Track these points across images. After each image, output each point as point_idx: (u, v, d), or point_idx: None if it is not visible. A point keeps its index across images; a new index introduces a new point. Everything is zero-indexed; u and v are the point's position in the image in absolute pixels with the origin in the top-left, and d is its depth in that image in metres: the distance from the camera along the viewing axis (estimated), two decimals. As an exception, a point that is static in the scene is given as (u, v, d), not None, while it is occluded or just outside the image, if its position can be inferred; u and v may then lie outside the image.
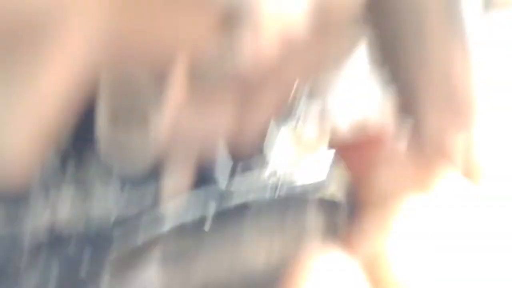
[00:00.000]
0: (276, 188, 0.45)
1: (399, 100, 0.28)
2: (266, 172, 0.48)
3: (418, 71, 0.26)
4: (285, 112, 0.34)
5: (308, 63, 0.31)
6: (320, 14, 0.19)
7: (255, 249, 0.35)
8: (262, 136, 0.31)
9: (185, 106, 0.24)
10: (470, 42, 0.25)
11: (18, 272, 0.36)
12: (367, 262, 0.30)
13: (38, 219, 0.36)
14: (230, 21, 0.19)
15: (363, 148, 0.34)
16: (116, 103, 0.24)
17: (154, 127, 0.23)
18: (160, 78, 0.23)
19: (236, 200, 0.43)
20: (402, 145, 0.33)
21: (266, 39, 0.21)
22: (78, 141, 0.32)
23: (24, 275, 0.36)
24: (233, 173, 0.43)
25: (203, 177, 0.32)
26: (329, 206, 0.36)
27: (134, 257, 0.36)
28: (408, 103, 0.27)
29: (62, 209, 0.38)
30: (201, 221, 0.40)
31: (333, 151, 0.44)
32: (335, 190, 0.41)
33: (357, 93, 0.37)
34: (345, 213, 0.36)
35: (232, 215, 0.39)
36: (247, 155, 0.30)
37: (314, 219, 0.35)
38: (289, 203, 0.36)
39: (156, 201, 0.29)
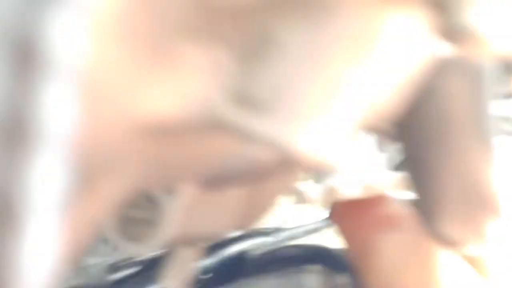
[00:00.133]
0: (270, 234, 0.45)
1: (416, 200, 0.27)
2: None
3: (440, 174, 0.25)
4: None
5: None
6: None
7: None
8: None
9: (197, 198, 0.23)
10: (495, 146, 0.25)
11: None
12: None
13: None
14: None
15: (364, 207, 0.33)
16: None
17: (163, 219, 0.22)
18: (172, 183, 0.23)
19: (235, 247, 0.42)
20: (407, 212, 0.32)
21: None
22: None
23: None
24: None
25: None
26: (333, 279, 0.35)
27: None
28: (425, 202, 0.26)
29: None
30: (199, 276, 0.39)
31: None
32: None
33: (364, 157, 0.36)
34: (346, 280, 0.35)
35: (227, 271, 0.38)
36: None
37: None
38: (290, 272, 0.35)
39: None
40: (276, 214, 0.47)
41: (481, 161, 0.25)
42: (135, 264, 0.40)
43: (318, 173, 0.36)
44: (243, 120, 0.15)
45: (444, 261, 0.29)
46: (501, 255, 0.29)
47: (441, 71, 0.23)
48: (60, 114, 0.11)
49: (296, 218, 0.47)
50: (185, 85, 0.14)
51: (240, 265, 0.42)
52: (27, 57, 0.10)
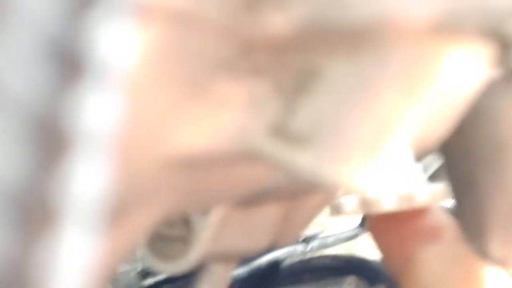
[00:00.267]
0: (306, 242, 0.44)
1: (462, 216, 0.26)
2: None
3: (489, 195, 0.24)
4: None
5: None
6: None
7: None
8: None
9: (230, 214, 0.23)
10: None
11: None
12: None
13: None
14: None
15: (403, 218, 0.32)
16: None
17: (195, 237, 0.22)
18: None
19: (267, 257, 0.42)
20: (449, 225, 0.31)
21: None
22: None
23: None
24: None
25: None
26: (363, 284, 0.35)
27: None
28: (470, 221, 0.26)
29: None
30: (232, 285, 0.39)
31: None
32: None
33: (402, 165, 0.36)
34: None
35: (260, 281, 0.38)
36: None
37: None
38: (325, 283, 0.35)
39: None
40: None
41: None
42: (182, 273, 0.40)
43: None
44: (281, 152, 0.14)
45: (486, 275, 0.28)
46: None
47: (495, 93, 0.23)
48: (102, 123, 0.10)
49: (329, 225, 0.47)
50: (220, 118, 0.14)
51: (273, 274, 0.41)
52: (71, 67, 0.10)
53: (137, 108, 0.12)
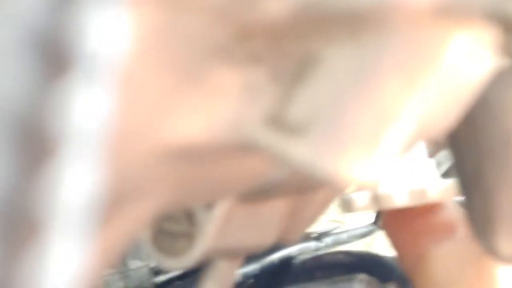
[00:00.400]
0: (320, 238, 0.44)
1: (471, 211, 0.26)
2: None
3: (498, 190, 0.23)
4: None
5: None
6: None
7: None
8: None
9: (235, 209, 0.23)
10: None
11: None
12: None
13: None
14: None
15: (416, 214, 0.31)
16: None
17: (200, 233, 0.22)
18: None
19: (281, 252, 0.41)
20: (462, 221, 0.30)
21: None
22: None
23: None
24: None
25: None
26: (375, 282, 0.34)
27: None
28: (479, 216, 0.25)
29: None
30: (244, 281, 0.38)
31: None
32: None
33: (415, 160, 0.35)
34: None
35: (273, 277, 0.38)
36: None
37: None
38: (336, 280, 0.34)
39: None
40: (322, 219, 0.46)
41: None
42: (186, 269, 0.40)
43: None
44: (277, 142, 0.14)
45: (499, 272, 0.28)
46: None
47: (504, 84, 0.22)
48: (92, 119, 0.10)
49: (342, 222, 0.46)
50: (215, 107, 0.14)
51: (285, 270, 0.41)
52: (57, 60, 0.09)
53: (129, 99, 0.12)
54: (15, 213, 0.09)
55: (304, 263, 0.40)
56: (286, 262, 0.41)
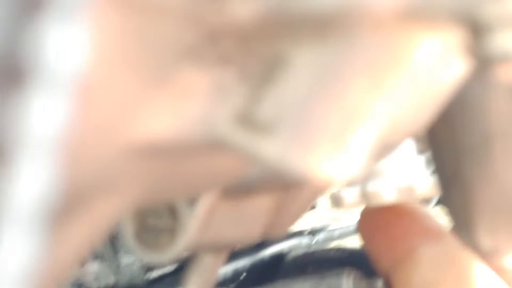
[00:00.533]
0: (312, 235, 0.44)
1: (451, 207, 0.26)
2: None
3: (477, 186, 0.24)
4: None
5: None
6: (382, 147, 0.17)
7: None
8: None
9: (219, 204, 0.23)
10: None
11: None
12: None
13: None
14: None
15: (396, 217, 0.31)
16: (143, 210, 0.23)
17: (182, 228, 0.22)
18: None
19: (273, 248, 0.42)
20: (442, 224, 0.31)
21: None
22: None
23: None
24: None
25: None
26: (366, 285, 0.34)
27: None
28: (459, 212, 0.25)
29: (92, 262, 0.37)
30: (234, 276, 0.39)
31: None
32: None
33: (403, 157, 0.35)
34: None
35: (264, 272, 0.38)
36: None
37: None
38: (324, 275, 0.34)
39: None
40: (314, 216, 0.46)
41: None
42: (169, 263, 0.40)
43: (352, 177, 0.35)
44: (246, 141, 0.14)
45: (479, 276, 0.28)
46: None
47: (480, 84, 0.22)
48: (47, 126, 0.10)
49: (334, 219, 0.47)
50: (184, 107, 0.14)
51: (277, 266, 0.41)
52: (14, 69, 0.09)
53: (93, 100, 0.12)
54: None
55: (296, 259, 0.40)
56: (278, 258, 0.41)
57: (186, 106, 0.14)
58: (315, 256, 0.40)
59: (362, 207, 0.40)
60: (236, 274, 0.39)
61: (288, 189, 0.26)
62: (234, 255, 0.39)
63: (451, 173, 0.25)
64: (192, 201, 0.23)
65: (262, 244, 0.41)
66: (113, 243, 0.38)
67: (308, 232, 0.44)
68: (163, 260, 0.24)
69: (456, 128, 0.23)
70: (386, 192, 0.34)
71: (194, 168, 0.17)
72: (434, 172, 0.32)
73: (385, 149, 0.19)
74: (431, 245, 0.28)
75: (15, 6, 0.10)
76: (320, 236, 0.44)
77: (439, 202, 0.43)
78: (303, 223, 0.47)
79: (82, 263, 0.37)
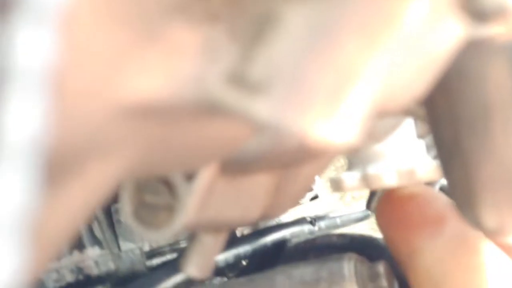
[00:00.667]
0: (314, 222, 0.44)
1: (452, 185, 0.26)
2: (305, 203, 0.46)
3: (478, 161, 0.23)
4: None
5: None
6: (377, 114, 0.17)
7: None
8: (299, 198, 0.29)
9: (217, 182, 0.23)
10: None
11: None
12: None
13: (64, 259, 0.35)
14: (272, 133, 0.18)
15: (408, 204, 0.31)
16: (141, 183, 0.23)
17: (181, 205, 0.22)
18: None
19: (274, 235, 0.42)
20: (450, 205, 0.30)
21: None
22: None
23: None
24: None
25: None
26: (368, 269, 0.34)
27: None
28: (461, 189, 0.25)
29: (92, 247, 0.37)
30: (236, 262, 0.39)
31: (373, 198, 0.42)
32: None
33: (404, 141, 0.35)
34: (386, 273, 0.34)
35: (266, 259, 0.38)
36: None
37: (349, 285, 0.33)
38: (325, 260, 0.34)
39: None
40: (317, 203, 0.46)
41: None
42: (171, 251, 0.40)
43: (352, 161, 0.35)
44: (238, 101, 0.14)
45: (492, 259, 0.28)
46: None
47: (480, 56, 0.22)
48: (33, 58, 0.10)
49: (337, 207, 0.46)
50: (174, 65, 0.14)
51: (279, 253, 0.41)
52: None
53: (79, 50, 0.12)
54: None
55: (298, 245, 0.40)
56: (280, 245, 0.41)
57: (177, 65, 0.14)
58: (317, 243, 0.40)
59: (362, 202, 0.39)
60: (238, 260, 0.39)
61: (287, 168, 0.26)
62: (235, 242, 0.39)
63: (451, 148, 0.24)
64: (190, 177, 0.22)
65: (264, 231, 0.41)
66: (113, 229, 0.38)
67: (310, 219, 0.44)
68: (162, 238, 0.23)
69: (455, 100, 0.23)
70: (386, 176, 0.34)
71: (190, 136, 0.17)
72: (434, 147, 0.32)
73: (383, 116, 0.19)
74: (445, 233, 0.28)
75: None
76: (321, 224, 0.44)
77: (441, 189, 0.43)
78: (305, 212, 0.46)
79: (82, 248, 0.36)
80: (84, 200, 0.15)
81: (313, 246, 0.40)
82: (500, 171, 0.23)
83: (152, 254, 0.40)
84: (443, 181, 0.42)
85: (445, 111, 0.23)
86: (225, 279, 0.39)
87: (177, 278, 0.34)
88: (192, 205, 0.23)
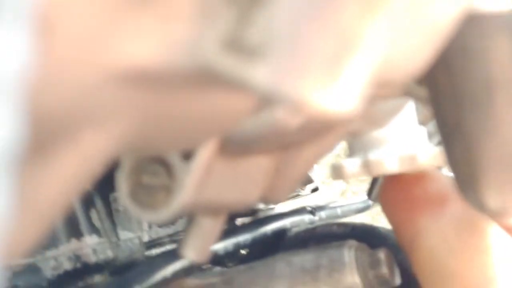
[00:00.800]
0: (314, 212, 0.43)
1: (454, 165, 0.25)
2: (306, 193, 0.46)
3: (479, 140, 0.23)
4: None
5: (354, 126, 0.29)
6: (376, 86, 0.17)
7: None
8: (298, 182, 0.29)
9: (216, 164, 0.22)
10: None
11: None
12: None
13: (62, 247, 0.35)
14: (269, 102, 0.17)
15: (411, 185, 0.31)
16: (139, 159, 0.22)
17: (178, 186, 0.21)
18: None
19: (275, 224, 0.41)
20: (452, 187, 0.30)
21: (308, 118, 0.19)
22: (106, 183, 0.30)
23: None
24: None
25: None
26: (368, 256, 0.34)
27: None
28: (465, 171, 0.25)
29: (90, 235, 0.36)
30: (235, 251, 0.38)
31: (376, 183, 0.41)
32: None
33: (406, 127, 0.35)
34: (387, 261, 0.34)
35: (266, 248, 0.38)
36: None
37: (350, 275, 0.33)
38: (326, 247, 0.34)
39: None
40: (319, 193, 0.46)
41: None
42: (170, 242, 0.40)
43: (353, 147, 0.34)
44: (235, 66, 0.14)
45: (497, 242, 0.27)
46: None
47: (482, 31, 0.22)
48: (11, 56, 0.10)
49: (339, 197, 0.46)
50: (168, 29, 0.13)
51: (279, 242, 0.41)
52: None
53: (65, 12, 0.11)
54: None
55: (298, 234, 0.40)
56: (280, 234, 0.40)
57: (171, 29, 0.13)
58: (317, 232, 0.40)
59: (359, 177, 0.39)
60: (237, 249, 0.38)
61: (287, 150, 0.26)
62: (235, 231, 0.39)
63: (453, 127, 0.24)
64: (188, 157, 0.22)
65: (264, 220, 0.41)
66: (111, 218, 0.37)
67: (310, 209, 0.43)
68: (159, 219, 0.23)
69: (457, 77, 0.22)
70: (388, 162, 0.33)
71: (186, 108, 0.17)
72: (436, 130, 0.31)
73: (383, 85, 0.19)
74: (448, 213, 0.28)
75: None
76: (323, 213, 0.44)
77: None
78: (305, 202, 0.46)
79: (80, 236, 0.36)
80: (77, 169, 0.15)
81: (313, 235, 0.40)
82: (503, 150, 0.23)
83: (151, 244, 0.40)
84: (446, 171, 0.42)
85: (447, 89, 0.23)
86: (224, 269, 0.39)
87: (176, 266, 0.34)
88: (190, 185, 0.22)
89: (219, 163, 0.23)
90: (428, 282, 0.27)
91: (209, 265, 0.36)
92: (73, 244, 0.36)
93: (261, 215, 0.43)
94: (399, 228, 0.29)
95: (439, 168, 0.37)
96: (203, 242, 0.26)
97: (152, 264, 0.34)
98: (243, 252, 0.39)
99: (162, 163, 0.23)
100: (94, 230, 0.37)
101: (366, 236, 0.38)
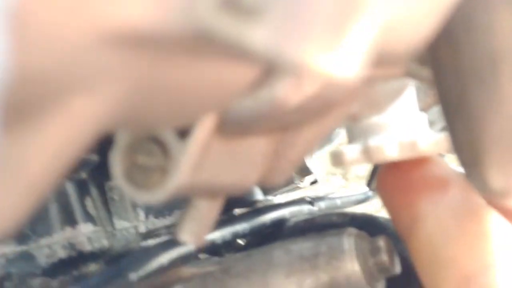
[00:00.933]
0: (313, 203, 0.43)
1: (458, 145, 0.25)
2: (305, 184, 0.45)
3: (483, 118, 0.23)
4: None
5: (354, 104, 0.28)
6: (376, 59, 0.16)
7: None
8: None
9: (213, 144, 0.22)
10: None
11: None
12: None
13: (56, 235, 0.35)
14: (270, 74, 0.17)
15: (408, 169, 0.30)
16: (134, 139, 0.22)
17: (173, 166, 0.21)
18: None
19: (273, 214, 0.41)
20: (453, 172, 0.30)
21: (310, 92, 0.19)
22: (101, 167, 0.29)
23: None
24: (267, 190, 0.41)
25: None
26: (368, 244, 0.33)
27: (158, 278, 0.34)
28: (469, 150, 0.24)
29: (85, 224, 0.36)
30: (233, 240, 0.38)
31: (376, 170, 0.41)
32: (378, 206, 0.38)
33: (406, 113, 0.34)
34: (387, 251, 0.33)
35: (265, 238, 0.37)
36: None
37: (349, 262, 0.32)
38: (325, 235, 0.33)
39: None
40: (319, 183, 0.45)
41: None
42: (167, 233, 0.39)
43: (353, 134, 0.34)
44: (232, 28, 0.13)
45: (496, 228, 0.27)
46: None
47: (487, 4, 0.21)
48: None
49: (339, 188, 0.46)
50: None
51: (277, 232, 0.40)
52: None
53: None
54: None
55: (296, 224, 0.39)
56: (278, 224, 0.40)
57: None
58: (316, 222, 0.39)
59: (359, 164, 0.39)
60: (235, 238, 0.38)
61: (286, 131, 0.25)
62: (233, 219, 0.38)
63: (456, 103, 0.23)
64: (184, 136, 0.21)
65: (263, 210, 0.40)
66: (107, 207, 0.37)
67: (310, 199, 0.43)
68: (154, 200, 0.22)
69: (461, 51, 0.22)
70: (388, 148, 0.33)
71: (181, 78, 0.16)
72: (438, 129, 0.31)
73: (386, 58, 0.18)
74: (447, 199, 0.27)
75: None
76: (322, 204, 0.43)
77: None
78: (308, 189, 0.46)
79: (74, 224, 0.36)
80: (68, 136, 0.14)
81: (312, 225, 0.39)
82: (508, 126, 0.22)
83: (147, 235, 0.39)
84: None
85: (450, 65, 0.22)
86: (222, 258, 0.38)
87: (173, 254, 0.33)
88: (186, 165, 0.22)
89: (216, 144, 0.23)
90: (425, 269, 0.26)
91: (206, 255, 0.36)
92: (68, 232, 0.35)
93: (260, 204, 0.42)
94: (397, 214, 0.28)
95: (440, 155, 0.36)
96: (200, 226, 0.25)
97: (148, 252, 0.33)
98: (240, 242, 0.39)
99: (157, 143, 0.22)
100: (89, 218, 0.36)
101: (366, 225, 0.38)
